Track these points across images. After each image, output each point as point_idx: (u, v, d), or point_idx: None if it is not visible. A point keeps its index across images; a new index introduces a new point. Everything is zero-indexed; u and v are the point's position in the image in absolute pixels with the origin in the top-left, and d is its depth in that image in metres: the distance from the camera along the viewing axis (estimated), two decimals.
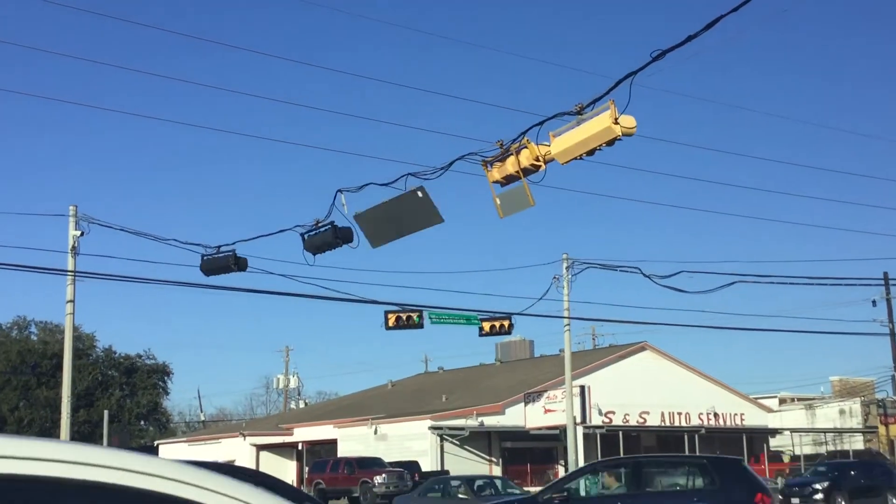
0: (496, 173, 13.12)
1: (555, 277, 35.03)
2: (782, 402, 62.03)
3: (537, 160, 12.45)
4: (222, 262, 19.73)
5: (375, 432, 44.97)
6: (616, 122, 11.42)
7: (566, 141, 12.05)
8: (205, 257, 20.18)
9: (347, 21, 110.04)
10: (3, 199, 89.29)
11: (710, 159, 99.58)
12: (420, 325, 29.73)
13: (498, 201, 13.26)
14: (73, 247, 26.28)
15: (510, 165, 12.89)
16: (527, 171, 12.78)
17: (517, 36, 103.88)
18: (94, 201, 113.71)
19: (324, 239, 16.57)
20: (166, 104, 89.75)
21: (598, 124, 11.69)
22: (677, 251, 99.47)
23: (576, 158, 12.00)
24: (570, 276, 34.94)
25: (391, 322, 29.03)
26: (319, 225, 16.53)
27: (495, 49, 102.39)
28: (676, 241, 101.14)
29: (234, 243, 20.01)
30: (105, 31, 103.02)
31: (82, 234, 26.25)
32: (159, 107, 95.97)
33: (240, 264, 19.60)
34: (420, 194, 14.03)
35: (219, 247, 20.18)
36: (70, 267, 26.18)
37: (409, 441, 42.47)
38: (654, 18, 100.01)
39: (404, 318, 29.14)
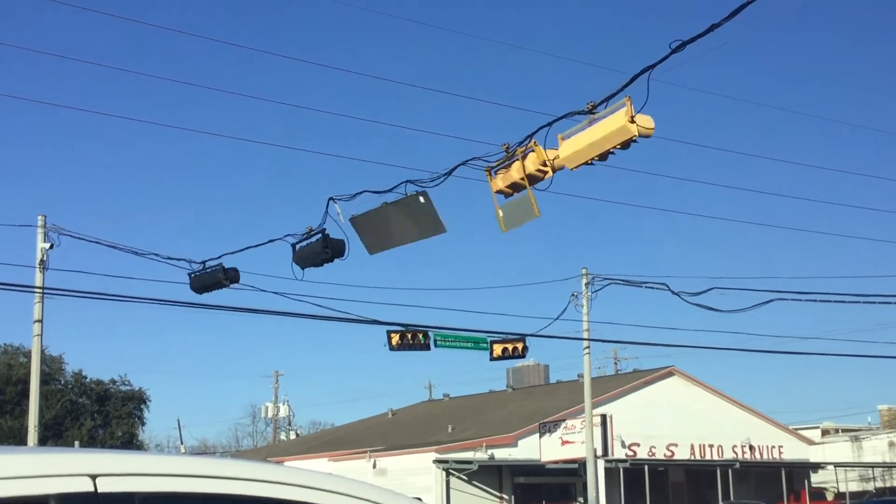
0: (500, 182, 13.18)
1: (573, 295, 35.09)
2: (825, 433, 61.95)
3: (544, 165, 12.47)
4: (213, 278, 19.81)
5: (374, 466, 45.02)
6: (632, 121, 11.42)
7: (576, 143, 12.12)
8: (192, 274, 20.30)
9: (337, 14, 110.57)
10: None
11: (743, 165, 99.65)
12: (426, 346, 29.92)
13: (500, 213, 13.30)
14: (42, 261, 26.41)
15: (515, 172, 12.95)
16: (533, 179, 12.83)
17: (526, 31, 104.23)
18: (65, 211, 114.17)
19: (312, 250, 16.65)
20: (145, 105, 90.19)
21: (612, 124, 11.72)
22: (708, 266, 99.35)
23: (587, 163, 12.05)
24: (589, 294, 35.01)
25: (395, 342, 29.18)
26: (312, 233, 16.63)
27: (502, 43, 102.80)
28: (708, 255, 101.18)
29: (220, 257, 20.07)
30: (82, 26, 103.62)
31: (52, 246, 26.35)
32: (138, 108, 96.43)
33: (230, 276, 19.66)
34: (422, 199, 14.17)
35: (204, 262, 20.31)
36: (38, 283, 26.30)
37: (412, 476, 42.51)
38: (679, 12, 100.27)
39: (409, 337, 29.30)
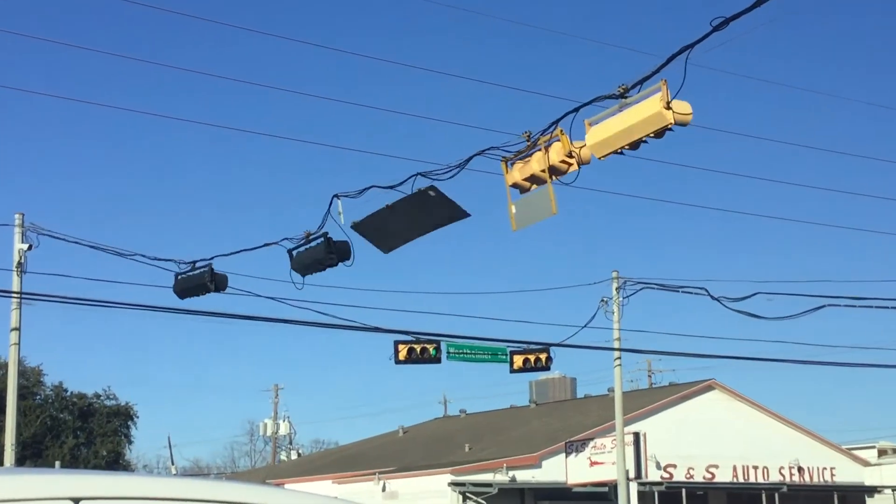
0: (517, 174, 12.99)
1: (602, 300, 34.89)
2: (882, 453, 61.37)
3: (569, 156, 12.31)
4: (196, 281, 19.73)
5: (384, 489, 44.93)
6: (668, 107, 11.29)
7: (606, 130, 11.95)
8: (179, 276, 20.22)
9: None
10: None
11: (790, 157, 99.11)
12: (437, 360, 29.69)
13: (513, 210, 13.11)
14: (20, 263, 26.42)
15: (535, 163, 12.75)
16: (555, 171, 12.64)
17: (550, 12, 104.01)
18: (45, 209, 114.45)
19: (314, 255, 16.59)
20: (133, 94, 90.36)
21: (646, 109, 11.58)
22: (752, 269, 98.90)
23: (616, 152, 11.89)
24: (621, 299, 34.82)
25: (402, 355, 28.97)
26: (311, 238, 16.51)
27: (524, 24, 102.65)
28: (751, 256, 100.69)
29: (211, 258, 20.11)
30: (70, 14, 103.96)
31: (30, 247, 26.37)
32: (125, 97, 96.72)
33: (217, 282, 19.57)
34: (432, 193, 14.01)
35: (194, 262, 20.24)
36: (15, 287, 26.30)
37: (425, 500, 42.40)
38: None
39: (418, 350, 29.07)
